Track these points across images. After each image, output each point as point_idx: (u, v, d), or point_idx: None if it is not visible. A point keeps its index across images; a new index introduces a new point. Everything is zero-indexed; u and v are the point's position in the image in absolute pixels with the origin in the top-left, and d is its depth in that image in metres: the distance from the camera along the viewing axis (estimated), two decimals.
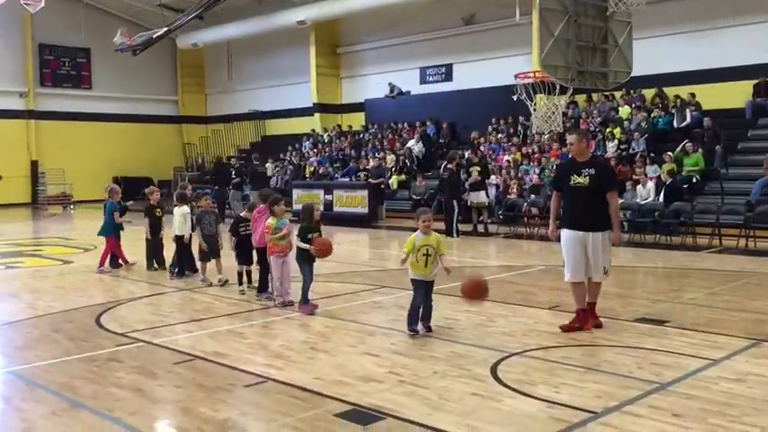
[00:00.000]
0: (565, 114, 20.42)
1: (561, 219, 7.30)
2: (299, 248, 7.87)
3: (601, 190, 7.01)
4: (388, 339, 7.00)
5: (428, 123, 24.97)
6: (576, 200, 7.06)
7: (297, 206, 20.39)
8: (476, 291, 6.83)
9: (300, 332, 7.35)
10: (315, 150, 27.05)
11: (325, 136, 28.40)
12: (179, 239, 10.52)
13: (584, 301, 7.25)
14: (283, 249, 8.14)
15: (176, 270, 10.62)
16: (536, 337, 7.00)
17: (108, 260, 11.58)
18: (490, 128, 22.88)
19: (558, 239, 7.34)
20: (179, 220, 10.57)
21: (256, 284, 9.07)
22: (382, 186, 21.00)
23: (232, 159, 24.13)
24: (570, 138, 7.34)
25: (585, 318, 7.22)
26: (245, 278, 9.33)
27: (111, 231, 11.42)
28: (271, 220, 8.20)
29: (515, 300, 8.86)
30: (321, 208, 8.37)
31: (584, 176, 7.01)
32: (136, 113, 32.89)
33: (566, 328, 7.20)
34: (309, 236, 7.83)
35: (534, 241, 15.77)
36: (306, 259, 7.87)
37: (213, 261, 9.92)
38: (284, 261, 8.22)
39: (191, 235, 10.58)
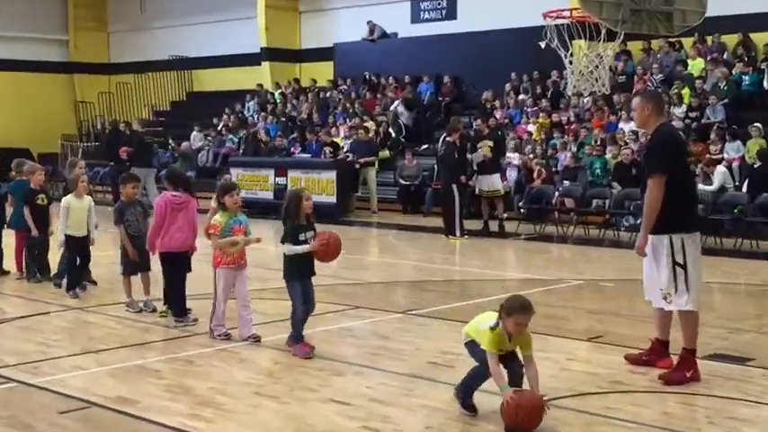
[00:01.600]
0: (613, 69, 20.57)
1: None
2: (288, 259, 7.65)
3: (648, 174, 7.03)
4: (362, 381, 7.01)
5: (423, 78, 24.99)
6: (642, 189, 7.13)
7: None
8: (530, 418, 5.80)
9: (240, 370, 7.34)
10: (262, 114, 27.00)
11: (276, 94, 28.34)
12: (73, 240, 10.44)
13: (664, 330, 7.31)
14: (235, 259, 8.08)
15: (67, 282, 10.55)
16: (568, 380, 7.05)
17: None
18: (508, 86, 22.97)
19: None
20: (77, 214, 10.46)
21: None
22: (357, 166, 21.02)
23: (135, 124, 23.74)
24: (634, 102, 7.41)
25: (662, 352, 7.25)
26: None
27: (22, 223, 11.42)
28: (219, 217, 8.10)
29: (541, 327, 8.87)
30: (309, 193, 8.13)
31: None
32: (6, 59, 32.56)
33: (630, 358, 7.35)
34: (303, 236, 7.67)
35: (568, 245, 15.86)
36: (297, 274, 7.66)
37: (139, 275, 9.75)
38: (237, 276, 8.15)
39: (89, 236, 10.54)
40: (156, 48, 32.85)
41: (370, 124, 23.52)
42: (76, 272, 10.60)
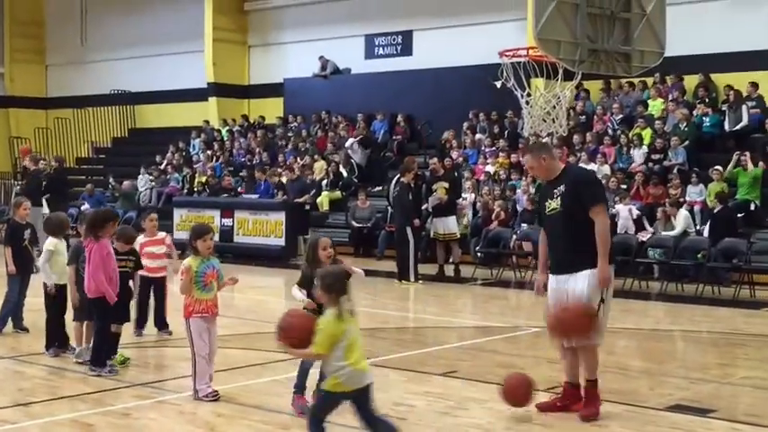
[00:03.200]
0: (572, 109, 20.85)
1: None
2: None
3: (577, 211, 7.17)
4: None
5: (376, 116, 25.13)
6: (552, 232, 7.40)
7: (180, 234, 20.18)
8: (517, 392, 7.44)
9: (179, 424, 7.25)
10: (209, 152, 26.91)
11: (224, 131, 28.30)
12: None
13: (574, 372, 7.47)
14: (208, 308, 7.88)
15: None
16: None
17: None
18: (465, 125, 23.16)
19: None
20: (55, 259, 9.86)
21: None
22: (307, 207, 21.01)
23: (52, 163, 23.74)
24: (525, 160, 7.81)
25: (576, 395, 7.42)
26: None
27: None
28: (190, 261, 7.92)
29: (497, 377, 8.89)
30: (328, 240, 7.88)
31: (557, 198, 7.29)
32: None
33: (543, 407, 7.46)
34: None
35: (526, 291, 15.94)
36: None
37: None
38: (210, 326, 7.92)
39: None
40: (97, 82, 32.68)
41: (321, 163, 23.59)
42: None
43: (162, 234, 10.89)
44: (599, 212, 7.17)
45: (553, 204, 7.27)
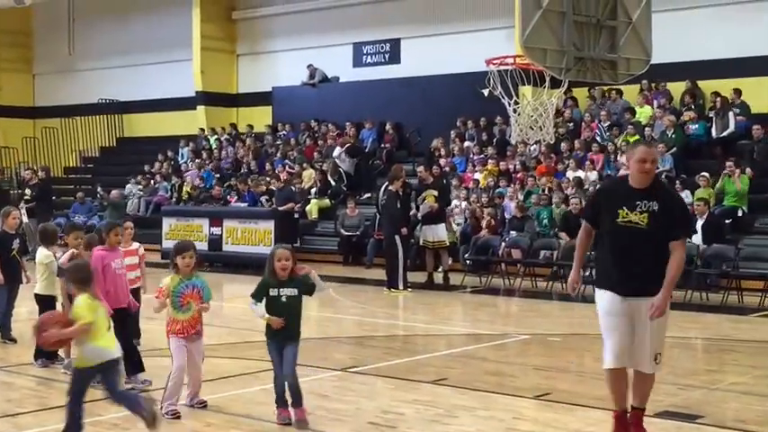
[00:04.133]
0: (559, 115, 20.91)
1: (598, 272, 7.10)
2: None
3: (665, 236, 6.56)
4: None
5: (365, 124, 25.15)
6: (624, 247, 6.63)
7: (169, 243, 20.17)
8: None
9: None
10: (197, 161, 26.88)
11: (212, 140, 28.26)
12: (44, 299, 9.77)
13: (624, 399, 6.84)
14: (185, 328, 7.70)
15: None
16: None
17: None
18: (453, 133, 23.19)
19: (580, 296, 7.26)
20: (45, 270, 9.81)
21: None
22: (295, 215, 21.00)
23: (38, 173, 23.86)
24: (641, 151, 6.66)
25: (626, 427, 6.79)
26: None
27: None
28: (168, 280, 7.75)
29: (486, 385, 8.93)
30: (285, 253, 7.86)
31: (642, 213, 6.54)
32: None
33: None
34: (274, 292, 7.48)
35: (515, 299, 15.96)
36: (269, 333, 7.55)
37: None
38: (186, 346, 7.74)
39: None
40: (85, 91, 32.57)
41: (310, 172, 23.59)
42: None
43: (136, 245, 10.38)
44: (683, 243, 6.70)
45: (634, 218, 6.53)
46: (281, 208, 20.81)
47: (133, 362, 8.47)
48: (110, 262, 8.55)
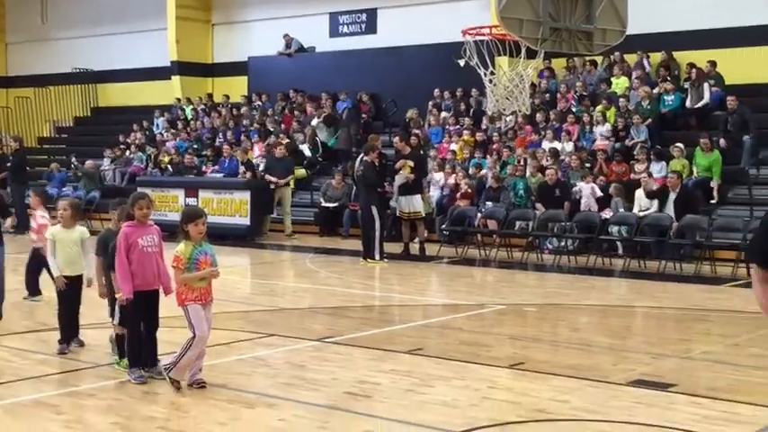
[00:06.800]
0: (535, 87, 20.94)
1: None
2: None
3: None
4: (274, 413, 6.98)
5: (340, 95, 25.06)
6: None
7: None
8: None
9: (144, 404, 7.24)
10: (173, 131, 26.75)
11: (188, 110, 28.11)
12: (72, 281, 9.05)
13: None
14: (202, 295, 7.59)
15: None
16: (489, 409, 7.11)
17: None
18: (431, 104, 23.18)
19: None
20: (72, 249, 9.03)
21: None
22: (272, 186, 20.95)
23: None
24: None
25: None
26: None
27: None
28: (182, 248, 7.59)
29: (461, 354, 9.00)
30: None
31: None
32: None
33: None
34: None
35: (491, 269, 16.03)
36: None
37: None
38: (205, 311, 7.63)
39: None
40: (58, 60, 32.27)
41: (287, 142, 23.47)
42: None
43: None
44: None
45: None
46: (281, 180, 20.56)
47: (152, 354, 7.93)
48: (136, 239, 7.80)
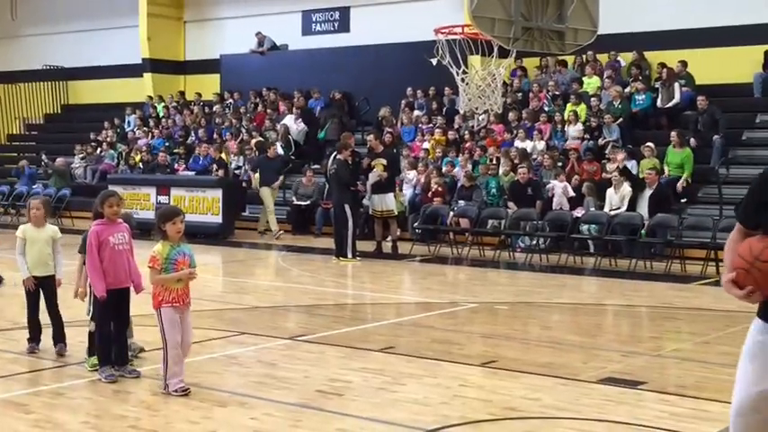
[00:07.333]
0: (507, 86, 21.01)
1: None
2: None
3: None
4: (246, 412, 6.97)
5: (313, 93, 25.03)
6: None
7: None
8: None
9: (115, 402, 7.21)
10: (144, 129, 26.61)
11: (160, 107, 27.99)
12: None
13: None
14: (179, 297, 7.41)
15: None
16: (461, 407, 7.13)
17: None
18: (403, 102, 23.20)
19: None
20: (43, 248, 8.69)
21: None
22: (244, 185, 20.87)
23: None
24: None
25: None
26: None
27: None
28: (160, 248, 7.44)
29: (433, 353, 9.02)
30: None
31: None
32: None
33: None
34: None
35: (463, 267, 16.08)
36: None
37: None
38: (181, 318, 7.46)
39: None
40: (28, 57, 32.03)
41: (258, 140, 23.40)
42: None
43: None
44: None
45: None
46: (274, 184, 20.39)
47: (122, 353, 7.89)
48: (107, 237, 7.73)
